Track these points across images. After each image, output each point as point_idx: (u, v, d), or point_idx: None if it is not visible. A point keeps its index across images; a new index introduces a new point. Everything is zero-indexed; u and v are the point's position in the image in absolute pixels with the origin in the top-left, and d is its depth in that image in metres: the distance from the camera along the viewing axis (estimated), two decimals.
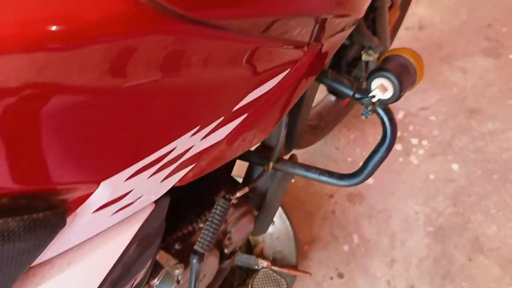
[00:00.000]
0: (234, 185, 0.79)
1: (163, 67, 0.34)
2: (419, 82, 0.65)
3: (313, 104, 1.07)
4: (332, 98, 1.41)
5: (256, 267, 1.04)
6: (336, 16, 0.51)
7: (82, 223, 0.42)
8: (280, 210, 1.22)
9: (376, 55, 0.97)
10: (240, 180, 0.86)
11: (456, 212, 1.29)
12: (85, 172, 0.37)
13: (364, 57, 0.97)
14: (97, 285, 0.47)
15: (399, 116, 1.50)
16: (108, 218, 0.44)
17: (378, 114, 0.66)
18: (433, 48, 1.67)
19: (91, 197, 0.40)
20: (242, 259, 1.11)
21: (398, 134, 1.45)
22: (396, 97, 0.61)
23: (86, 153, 0.35)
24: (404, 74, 0.61)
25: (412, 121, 1.50)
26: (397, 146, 1.43)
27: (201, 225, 0.74)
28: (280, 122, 0.75)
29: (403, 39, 1.67)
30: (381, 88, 0.61)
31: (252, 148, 0.98)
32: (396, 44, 1.50)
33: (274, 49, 0.45)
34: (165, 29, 0.32)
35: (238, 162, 0.84)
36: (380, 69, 0.61)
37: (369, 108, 0.63)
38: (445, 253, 1.22)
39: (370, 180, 1.36)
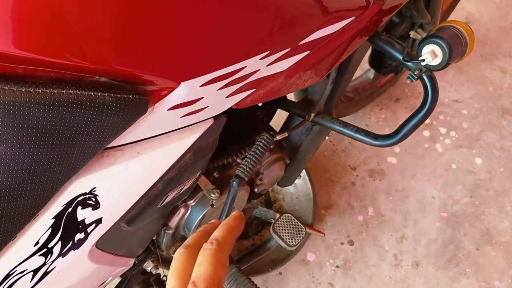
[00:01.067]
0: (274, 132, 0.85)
1: None
2: (468, 55, 0.68)
3: (352, 78, 1.11)
4: (370, 75, 1.44)
5: (272, 221, 1.10)
6: None
7: (157, 116, 0.47)
8: (304, 172, 1.28)
9: (425, 34, 1.00)
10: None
11: (471, 203, 1.33)
12: (173, 69, 0.43)
13: (413, 34, 1.00)
14: (157, 178, 0.54)
15: None
16: (177, 119, 0.50)
17: (422, 80, 0.70)
18: (477, 44, 1.67)
19: (170, 94, 0.46)
20: (261, 211, 1.17)
21: (428, 121, 1.49)
22: (444, 64, 0.65)
23: (176, 50, 0.41)
24: (456, 44, 0.65)
25: (444, 111, 1.52)
26: (425, 133, 1.47)
27: (239, 160, 0.80)
28: (328, 76, 0.79)
29: None
30: (431, 54, 0.65)
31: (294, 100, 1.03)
32: None
33: None
34: None
35: (279, 113, 0.89)
36: (434, 36, 0.65)
37: (416, 72, 0.67)
38: (454, 239, 1.26)
39: (393, 160, 1.40)
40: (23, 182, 0.39)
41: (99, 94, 0.39)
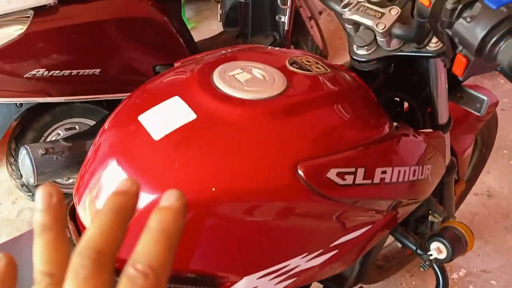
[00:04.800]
0: None
1: (294, 216, 0.60)
2: (468, 252, 0.84)
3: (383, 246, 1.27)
4: (399, 245, 1.58)
5: None
6: (409, 199, 0.75)
7: None
8: None
9: (441, 219, 1.17)
10: None
11: None
12: (242, 269, 0.62)
13: (430, 218, 1.17)
14: None
15: (460, 273, 1.62)
16: None
17: (433, 269, 0.85)
18: (499, 216, 1.81)
19: (235, 285, 0.64)
20: None
21: None
22: (449, 259, 0.81)
23: (249, 259, 0.60)
24: (457, 243, 0.82)
25: (472, 281, 1.60)
26: None
27: None
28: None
29: (472, 204, 1.84)
30: (437, 250, 0.82)
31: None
32: (463, 207, 1.68)
33: (363, 213, 0.69)
34: (305, 199, 0.57)
35: (314, 283, 1.04)
36: (439, 235, 0.83)
37: (427, 263, 0.83)
38: None
39: None
40: None
41: (189, 287, 0.58)
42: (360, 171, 0.58)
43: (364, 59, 0.72)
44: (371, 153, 0.61)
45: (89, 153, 0.65)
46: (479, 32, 0.46)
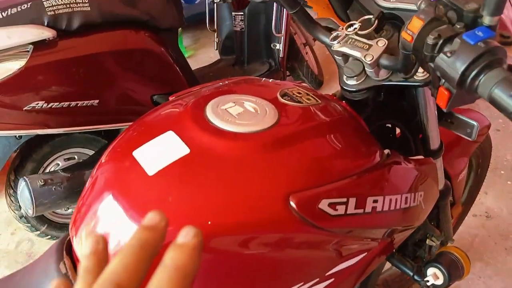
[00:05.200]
0: None
1: (289, 247, 0.61)
2: (465, 277, 0.84)
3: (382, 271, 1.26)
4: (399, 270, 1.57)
5: None
6: (403, 227, 0.76)
7: None
8: None
9: (439, 242, 1.17)
10: None
11: None
12: None
13: (428, 241, 1.17)
14: None
15: None
16: None
17: None
18: (499, 238, 1.81)
19: None
20: None
21: None
22: (446, 285, 0.81)
23: None
24: (454, 270, 0.82)
25: None
26: None
27: None
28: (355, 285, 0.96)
29: (471, 225, 1.84)
30: (434, 276, 0.82)
31: None
32: (463, 229, 1.68)
33: (357, 242, 0.70)
34: (298, 231, 0.58)
35: None
36: (435, 261, 0.83)
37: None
38: None
39: None
40: None
41: None
42: (352, 201, 0.60)
43: (354, 89, 0.74)
44: (362, 183, 0.63)
45: (86, 186, 0.66)
46: (459, 67, 0.48)
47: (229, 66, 2.41)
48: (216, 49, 2.53)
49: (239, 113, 0.64)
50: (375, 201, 0.63)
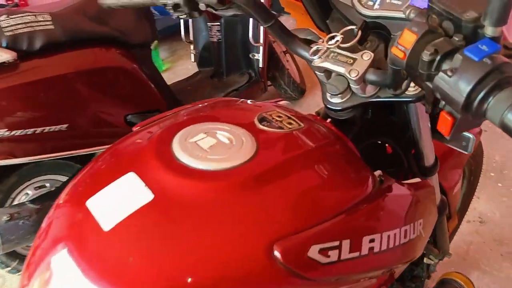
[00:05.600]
0: None
1: None
2: None
3: None
4: None
5: None
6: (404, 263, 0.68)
7: None
8: None
9: (437, 260, 1.10)
10: None
11: None
12: None
13: (426, 260, 1.11)
14: None
15: None
16: None
17: None
18: (494, 243, 1.75)
19: None
20: None
21: None
22: None
23: None
24: None
25: None
26: None
27: None
28: None
29: (465, 232, 1.78)
30: None
31: None
32: (457, 237, 1.62)
33: (353, 285, 0.62)
34: (285, 284, 0.49)
35: None
36: None
37: None
38: None
39: None
40: None
41: None
42: (346, 244, 0.51)
43: (339, 108, 0.67)
44: (356, 220, 0.55)
45: (43, 225, 0.58)
46: (464, 88, 0.41)
47: (208, 79, 2.33)
48: (194, 61, 2.45)
49: (211, 146, 0.55)
50: (372, 241, 0.55)
